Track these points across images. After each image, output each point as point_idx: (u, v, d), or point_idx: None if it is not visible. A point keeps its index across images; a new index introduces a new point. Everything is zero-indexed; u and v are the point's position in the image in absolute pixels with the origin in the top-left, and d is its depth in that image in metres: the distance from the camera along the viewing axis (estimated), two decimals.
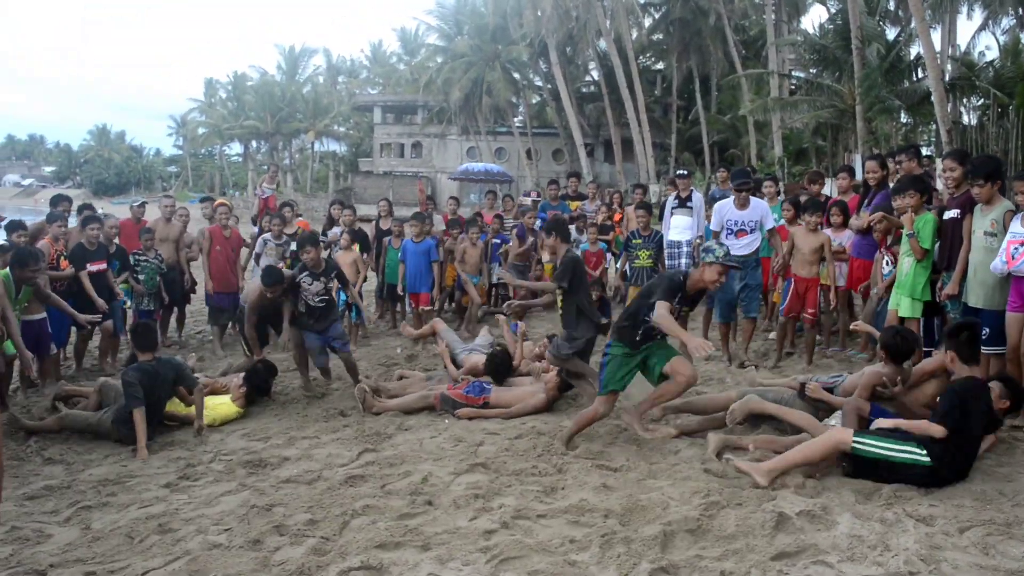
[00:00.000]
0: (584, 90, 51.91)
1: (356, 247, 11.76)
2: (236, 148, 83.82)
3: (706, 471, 5.61)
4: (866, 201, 9.26)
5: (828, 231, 9.47)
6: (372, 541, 4.63)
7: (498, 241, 12.91)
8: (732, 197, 9.64)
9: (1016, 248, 6.58)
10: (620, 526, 4.67)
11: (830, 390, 6.41)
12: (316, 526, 4.96)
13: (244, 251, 12.25)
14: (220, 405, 7.89)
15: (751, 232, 9.45)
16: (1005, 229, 6.79)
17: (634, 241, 11.19)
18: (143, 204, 12.31)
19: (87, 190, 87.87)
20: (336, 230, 12.22)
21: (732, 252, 7.84)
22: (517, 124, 53.86)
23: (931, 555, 4.17)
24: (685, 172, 14.48)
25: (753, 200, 9.57)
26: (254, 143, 77.61)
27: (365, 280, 12.04)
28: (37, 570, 4.54)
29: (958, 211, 7.38)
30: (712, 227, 9.79)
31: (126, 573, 4.45)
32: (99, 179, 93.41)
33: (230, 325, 11.70)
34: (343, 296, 10.89)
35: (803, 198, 10.61)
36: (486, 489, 5.44)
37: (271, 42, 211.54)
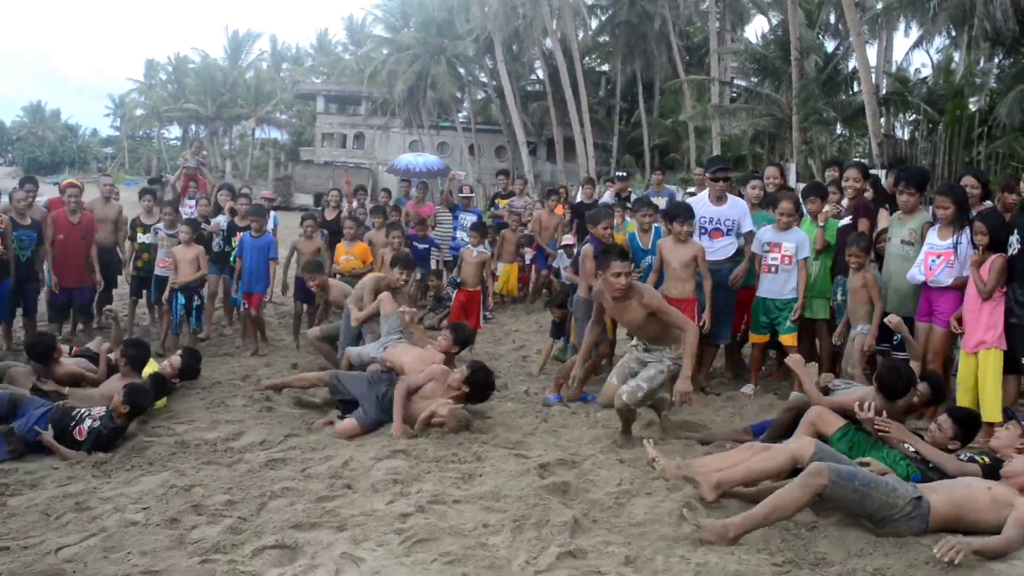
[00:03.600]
0: (528, 88, 52.09)
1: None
2: (175, 131, 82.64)
3: (620, 461, 5.79)
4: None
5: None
6: (288, 521, 4.71)
7: (425, 246, 12.14)
8: (706, 190, 8.49)
9: (933, 259, 6.88)
10: (532, 512, 4.80)
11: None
12: (234, 506, 5.02)
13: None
14: None
15: (727, 233, 8.17)
16: (922, 239, 7.09)
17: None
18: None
19: (19, 168, 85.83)
20: (220, 219, 11.21)
21: (708, 257, 7.86)
22: (461, 119, 53.85)
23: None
24: (624, 173, 14.72)
25: (731, 197, 8.34)
26: (193, 127, 76.43)
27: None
28: None
29: (851, 217, 7.78)
30: None
31: (40, 549, 4.45)
32: (32, 157, 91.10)
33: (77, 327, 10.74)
34: (181, 299, 9.91)
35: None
36: (405, 475, 5.54)
37: (215, 25, 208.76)
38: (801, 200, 8.43)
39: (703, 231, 8.13)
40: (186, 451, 6.24)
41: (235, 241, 10.56)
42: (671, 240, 7.72)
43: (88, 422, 6.37)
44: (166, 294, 9.95)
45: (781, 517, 4.47)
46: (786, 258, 7.87)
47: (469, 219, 12.73)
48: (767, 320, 8.07)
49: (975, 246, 6.50)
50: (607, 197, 13.44)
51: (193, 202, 12.00)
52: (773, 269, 7.94)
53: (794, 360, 6.17)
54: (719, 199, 8.18)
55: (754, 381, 8.24)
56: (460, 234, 12.73)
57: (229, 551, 4.35)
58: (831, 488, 4.39)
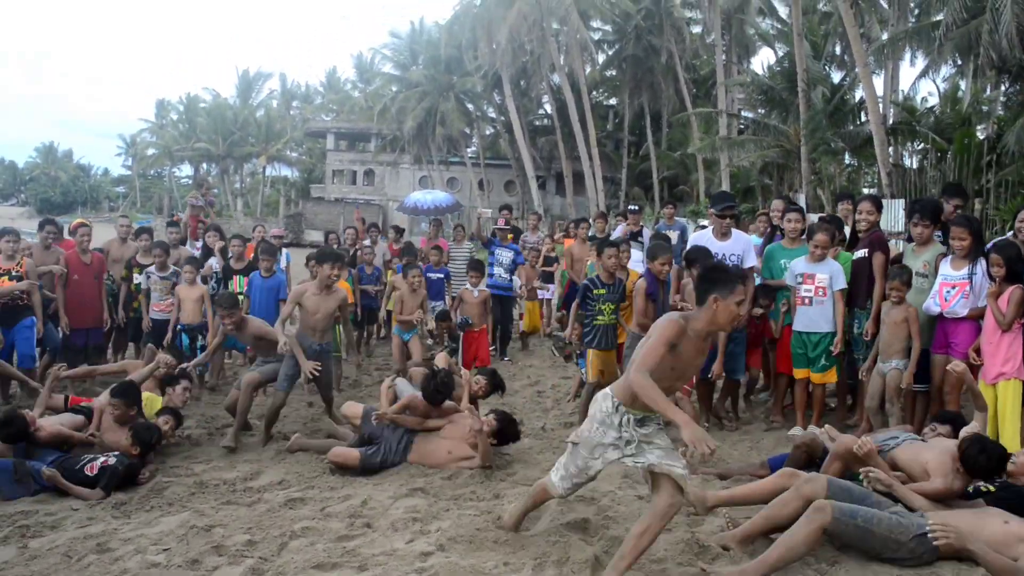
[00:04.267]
0: (537, 123, 52.40)
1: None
2: (186, 170, 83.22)
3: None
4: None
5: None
6: (310, 562, 4.71)
7: (440, 275, 11.98)
8: (710, 227, 8.39)
9: (948, 291, 6.89)
10: (553, 549, 4.79)
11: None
12: (255, 547, 5.02)
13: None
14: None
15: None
16: (935, 271, 7.10)
17: (595, 291, 8.05)
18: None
19: (31, 208, 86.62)
20: (212, 261, 11.11)
21: None
22: (470, 155, 54.21)
23: None
24: (637, 207, 14.67)
25: (735, 232, 8.21)
26: (204, 166, 77.02)
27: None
28: None
29: (866, 250, 7.70)
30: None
31: None
32: (44, 197, 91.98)
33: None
34: (186, 340, 9.85)
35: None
36: (424, 513, 5.54)
37: (225, 65, 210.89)
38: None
39: None
40: (205, 491, 6.26)
41: (232, 284, 10.44)
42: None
43: (101, 459, 6.38)
44: (168, 336, 9.73)
45: (794, 558, 4.38)
46: (820, 290, 7.66)
47: (506, 256, 12.25)
48: (803, 353, 7.81)
49: (991, 278, 6.49)
50: (618, 231, 13.42)
51: (200, 243, 11.98)
52: (807, 301, 7.73)
53: (868, 451, 5.19)
54: (724, 235, 8.05)
55: (801, 422, 7.80)
56: (498, 270, 12.18)
57: None
58: (833, 524, 4.38)
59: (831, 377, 7.82)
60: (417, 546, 4.92)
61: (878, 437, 5.55)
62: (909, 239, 7.92)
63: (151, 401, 7.70)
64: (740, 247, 8.06)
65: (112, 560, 4.91)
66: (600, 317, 8.01)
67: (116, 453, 6.49)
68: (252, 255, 11.08)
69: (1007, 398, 6.30)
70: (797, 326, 7.87)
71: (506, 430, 6.81)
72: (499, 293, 11.83)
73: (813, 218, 10.76)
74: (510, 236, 13.52)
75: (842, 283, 7.66)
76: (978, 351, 6.63)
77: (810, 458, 5.76)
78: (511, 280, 12.25)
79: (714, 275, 4.36)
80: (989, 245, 6.90)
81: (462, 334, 10.51)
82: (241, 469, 6.87)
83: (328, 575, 4.54)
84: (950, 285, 6.90)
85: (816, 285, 7.68)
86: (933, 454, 5.10)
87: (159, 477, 6.60)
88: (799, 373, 7.92)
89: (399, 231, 14.98)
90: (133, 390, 7.40)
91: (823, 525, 4.37)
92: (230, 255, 10.96)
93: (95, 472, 6.29)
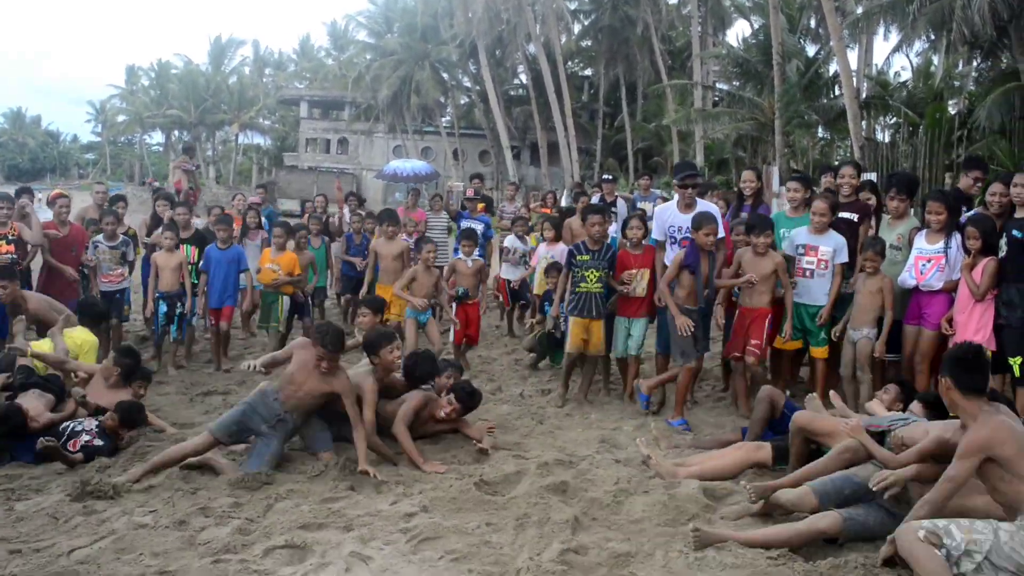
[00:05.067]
0: (512, 93, 52.26)
1: (183, 249, 9.95)
2: (157, 137, 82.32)
3: (616, 461, 5.91)
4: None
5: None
6: (296, 522, 4.81)
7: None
8: (675, 198, 8.04)
9: (924, 264, 7.02)
10: (533, 511, 4.92)
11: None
12: (240, 508, 5.11)
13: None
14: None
15: None
16: (910, 244, 7.24)
17: (579, 257, 7.86)
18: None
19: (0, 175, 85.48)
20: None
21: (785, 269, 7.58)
22: (444, 124, 54.00)
23: None
24: (611, 177, 14.63)
25: (700, 202, 7.82)
26: (176, 133, 76.25)
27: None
28: None
29: (856, 215, 7.78)
30: (654, 236, 8.00)
31: (52, 552, 4.52)
32: (12, 164, 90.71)
33: None
34: (163, 307, 9.50)
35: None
36: (407, 476, 5.67)
37: (197, 31, 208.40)
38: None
39: (673, 240, 7.73)
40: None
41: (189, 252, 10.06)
42: (750, 253, 7.46)
43: (85, 437, 6.38)
44: (149, 305, 9.59)
45: (785, 544, 4.46)
46: (823, 262, 7.48)
47: (477, 228, 11.56)
48: (799, 326, 7.62)
49: (967, 250, 6.64)
50: (594, 200, 13.45)
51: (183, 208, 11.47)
52: (808, 274, 7.54)
53: (853, 426, 5.10)
54: (688, 206, 7.68)
55: (783, 387, 7.54)
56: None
57: (240, 551, 4.45)
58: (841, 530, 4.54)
59: (825, 353, 7.59)
60: (401, 507, 5.03)
61: (887, 417, 5.42)
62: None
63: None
64: None
65: (99, 522, 4.97)
66: (583, 284, 7.78)
67: (98, 428, 6.49)
68: (241, 226, 11.10)
69: None
70: (796, 298, 7.58)
71: (467, 402, 6.56)
72: None
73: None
74: (481, 206, 13.42)
75: (844, 257, 7.48)
76: (950, 322, 6.79)
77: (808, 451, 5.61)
78: (481, 254, 11.33)
79: None
80: (963, 219, 7.03)
81: (456, 306, 9.86)
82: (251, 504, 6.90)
83: (314, 535, 4.64)
84: (925, 259, 7.03)
85: (819, 258, 7.50)
86: (937, 426, 4.90)
87: (141, 441, 6.64)
88: (792, 345, 7.71)
89: (360, 200, 14.60)
90: (136, 354, 7.57)
91: (829, 530, 4.49)
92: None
93: (77, 449, 6.29)
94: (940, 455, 4.48)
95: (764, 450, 5.74)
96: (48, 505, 5.29)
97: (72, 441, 6.34)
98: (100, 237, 9.76)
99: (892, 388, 6.12)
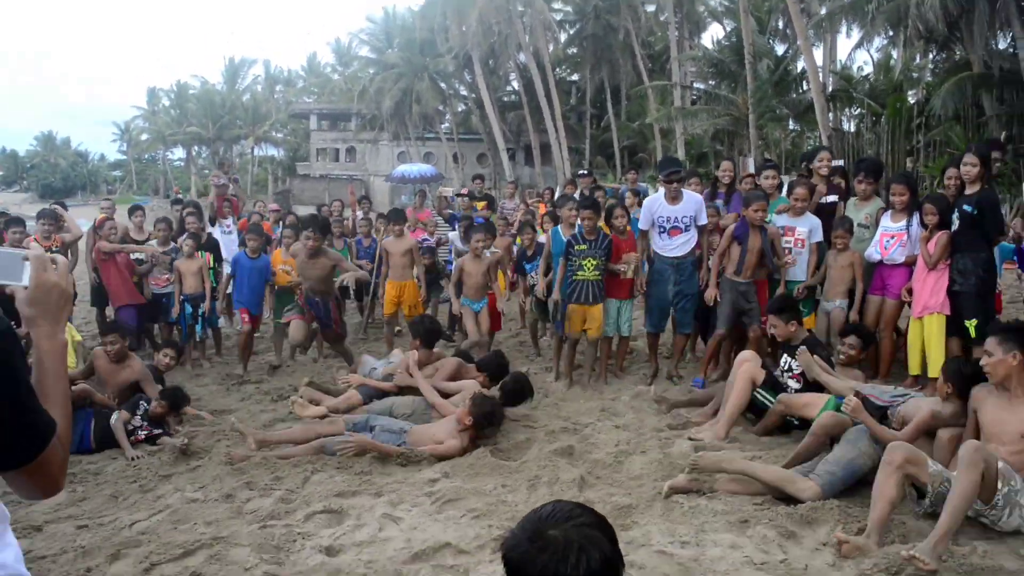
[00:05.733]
0: (505, 99, 52.22)
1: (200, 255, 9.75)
2: (179, 153, 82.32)
3: (616, 427, 6.08)
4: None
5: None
6: (331, 491, 4.98)
7: (432, 241, 11.25)
8: (661, 190, 8.09)
9: (888, 240, 7.23)
10: (543, 472, 5.09)
11: (883, 413, 5.15)
12: (281, 481, 5.28)
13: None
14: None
15: (686, 229, 7.84)
16: (876, 223, 7.42)
17: (577, 247, 7.72)
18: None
19: (34, 194, 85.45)
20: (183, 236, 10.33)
21: (665, 253, 7.83)
22: (444, 130, 53.97)
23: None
24: (586, 171, 14.65)
25: (686, 193, 7.95)
26: (196, 148, 76.29)
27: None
28: (33, 525, 4.75)
29: (836, 196, 8.01)
30: (640, 226, 8.10)
31: (115, 525, 4.70)
32: (45, 183, 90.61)
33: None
34: (189, 308, 9.54)
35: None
36: None
37: (212, 53, 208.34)
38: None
39: (662, 230, 7.86)
40: (231, 439, 6.38)
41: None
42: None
43: (142, 432, 6.52)
44: (176, 307, 9.55)
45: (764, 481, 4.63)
46: (799, 241, 7.62)
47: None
48: None
49: (924, 226, 6.82)
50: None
51: (229, 221, 11.44)
52: (787, 252, 7.63)
53: (854, 406, 4.91)
54: (674, 199, 7.82)
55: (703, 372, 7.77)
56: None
57: (283, 517, 4.62)
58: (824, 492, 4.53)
59: (812, 322, 7.66)
60: (425, 474, 5.21)
61: (888, 392, 5.39)
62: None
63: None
64: (692, 208, 7.86)
65: (155, 498, 5.15)
66: (580, 272, 7.68)
67: (145, 418, 6.62)
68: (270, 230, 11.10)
69: (932, 329, 6.65)
70: (776, 275, 7.67)
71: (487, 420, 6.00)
72: None
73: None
74: (482, 204, 13.26)
75: (819, 236, 7.61)
76: (910, 291, 6.97)
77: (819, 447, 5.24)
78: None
79: None
80: (922, 199, 7.21)
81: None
82: (260, 419, 7.09)
83: (349, 501, 4.81)
84: (889, 235, 7.23)
85: (796, 237, 7.64)
86: (929, 401, 5.03)
87: (187, 427, 6.80)
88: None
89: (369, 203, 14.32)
90: (121, 326, 7.61)
91: (808, 499, 4.43)
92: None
93: (142, 440, 6.46)
94: (932, 427, 4.74)
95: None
96: (107, 485, 5.47)
97: (132, 438, 6.46)
98: (153, 242, 10.01)
99: (853, 339, 6.25)
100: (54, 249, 9.12)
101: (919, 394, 5.37)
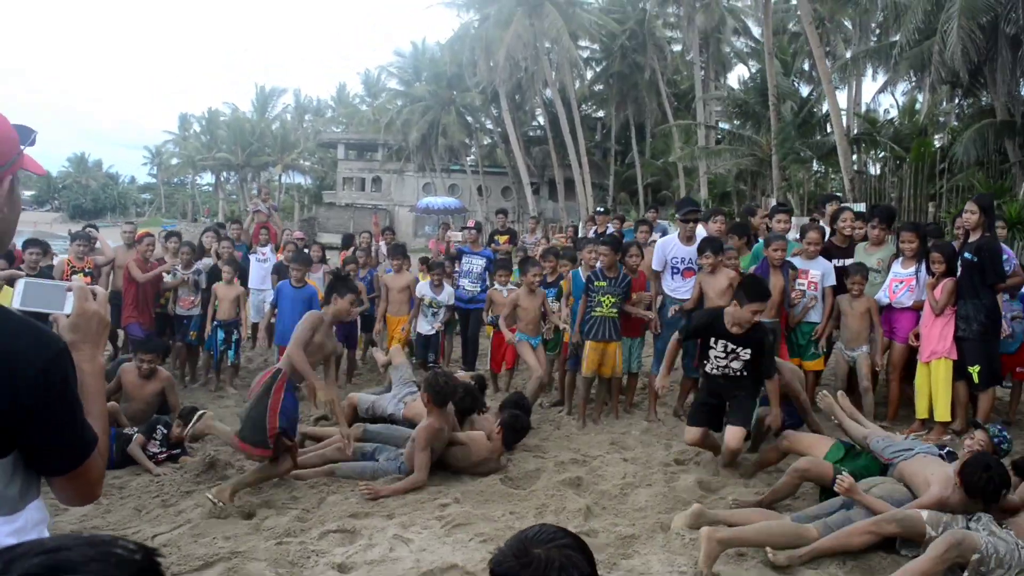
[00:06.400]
0: (531, 134, 52.69)
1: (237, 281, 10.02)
2: (208, 178, 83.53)
3: (624, 460, 6.23)
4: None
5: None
6: (345, 512, 5.18)
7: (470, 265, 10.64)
8: (676, 231, 8.20)
9: (897, 285, 7.39)
10: (551, 501, 5.26)
11: (884, 469, 5.11)
12: (298, 501, 5.50)
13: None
14: None
15: (699, 271, 7.73)
16: (888, 268, 7.59)
17: (596, 283, 7.76)
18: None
19: (64, 214, 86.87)
20: (207, 261, 10.61)
21: (677, 295, 7.86)
22: (469, 163, 54.48)
23: None
24: (602, 208, 14.80)
25: (699, 232, 8.02)
26: (224, 174, 77.34)
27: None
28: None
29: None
30: (654, 266, 8.11)
31: (138, 537, 4.89)
32: (76, 204, 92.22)
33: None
34: (221, 334, 9.70)
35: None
36: (441, 475, 5.99)
37: (245, 81, 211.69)
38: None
39: (675, 271, 7.93)
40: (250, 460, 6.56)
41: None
42: (704, 272, 7.47)
43: (162, 457, 6.75)
44: (208, 330, 9.75)
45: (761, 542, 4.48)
46: (813, 284, 7.71)
47: (477, 263, 10.54)
48: (795, 342, 7.77)
49: (931, 272, 6.98)
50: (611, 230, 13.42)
51: (266, 249, 11.28)
52: (801, 294, 7.69)
53: (847, 485, 4.67)
54: (689, 239, 7.89)
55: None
56: (464, 282, 10.49)
57: (299, 535, 4.81)
58: None
59: (820, 364, 7.87)
60: (437, 499, 5.38)
61: (894, 445, 5.17)
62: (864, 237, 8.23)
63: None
64: None
65: (176, 512, 5.36)
66: (599, 309, 7.70)
67: (164, 441, 6.82)
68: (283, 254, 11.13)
69: (939, 374, 6.79)
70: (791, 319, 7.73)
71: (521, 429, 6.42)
72: (465, 307, 10.41)
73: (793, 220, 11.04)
74: (505, 239, 13.18)
75: (832, 280, 7.70)
76: (917, 336, 7.11)
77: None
78: (480, 291, 10.34)
79: None
80: (929, 247, 7.36)
81: (492, 336, 9.51)
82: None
83: (362, 521, 5.00)
84: (899, 280, 7.41)
85: (809, 280, 7.73)
86: (937, 467, 4.78)
87: (208, 447, 7.01)
88: (813, 365, 7.80)
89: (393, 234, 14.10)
90: (157, 345, 7.88)
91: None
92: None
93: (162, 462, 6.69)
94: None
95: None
96: (131, 499, 5.68)
97: (153, 460, 6.67)
98: (179, 266, 10.08)
99: (983, 436, 5.20)
100: (87, 271, 9.44)
101: (925, 446, 5.19)
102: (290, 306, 8.76)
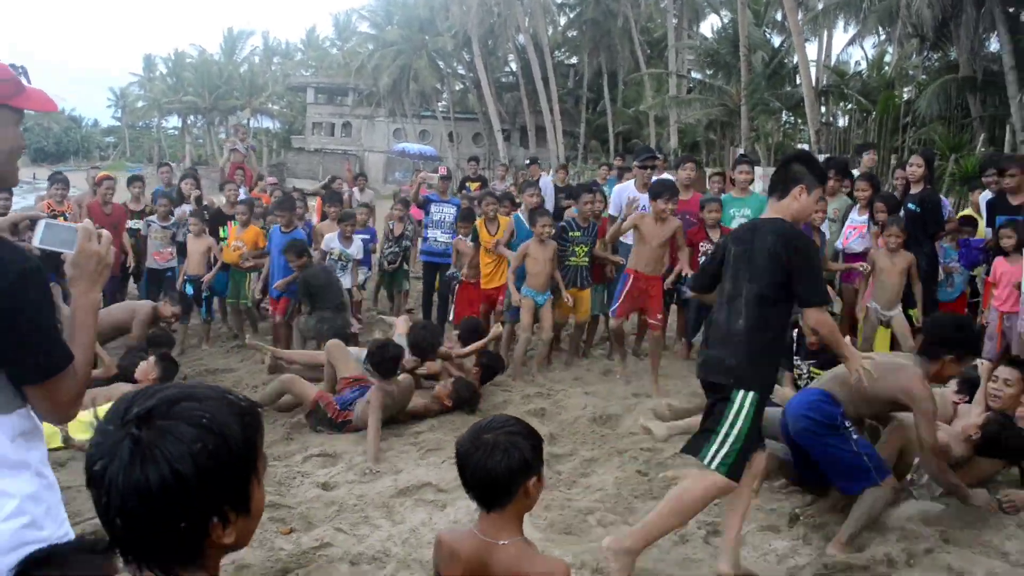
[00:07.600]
0: (503, 80, 52.63)
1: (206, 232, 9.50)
2: (174, 121, 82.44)
3: (638, 472, 6.56)
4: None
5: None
6: (326, 441, 5.61)
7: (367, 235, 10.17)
8: (634, 178, 8.17)
9: (850, 231, 7.86)
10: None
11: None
12: (281, 430, 5.89)
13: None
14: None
15: None
16: (845, 217, 8.05)
17: (571, 233, 7.79)
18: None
19: (27, 158, 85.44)
20: (186, 207, 10.17)
21: (629, 240, 7.62)
22: (441, 109, 54.38)
23: None
24: (563, 163, 14.80)
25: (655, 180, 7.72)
26: (191, 117, 76.47)
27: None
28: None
29: None
30: (611, 211, 8.12)
31: None
32: (38, 147, 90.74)
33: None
34: (190, 289, 9.22)
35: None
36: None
37: (211, 23, 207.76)
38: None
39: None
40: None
41: (226, 230, 9.63)
42: (650, 218, 6.97)
43: None
44: (178, 284, 9.25)
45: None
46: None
47: (448, 212, 9.67)
48: None
49: (875, 222, 7.44)
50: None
51: (243, 192, 10.83)
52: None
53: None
54: (645, 185, 7.72)
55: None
56: (434, 233, 9.66)
57: (284, 459, 5.24)
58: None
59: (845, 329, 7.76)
60: (411, 428, 5.82)
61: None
62: None
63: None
64: None
65: None
66: (572, 258, 7.76)
67: None
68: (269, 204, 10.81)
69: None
70: None
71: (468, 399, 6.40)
72: (434, 261, 9.73)
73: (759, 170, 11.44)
74: (476, 185, 13.14)
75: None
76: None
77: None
78: (450, 244, 9.44)
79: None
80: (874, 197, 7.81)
81: (457, 286, 9.02)
82: (261, 378, 7.54)
83: (343, 447, 5.42)
84: (852, 227, 7.87)
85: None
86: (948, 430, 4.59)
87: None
88: None
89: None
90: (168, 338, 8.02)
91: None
92: (205, 203, 10.39)
93: None
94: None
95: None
96: None
97: None
98: (153, 217, 9.74)
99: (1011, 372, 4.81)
100: (66, 216, 9.54)
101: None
102: (279, 251, 8.46)
